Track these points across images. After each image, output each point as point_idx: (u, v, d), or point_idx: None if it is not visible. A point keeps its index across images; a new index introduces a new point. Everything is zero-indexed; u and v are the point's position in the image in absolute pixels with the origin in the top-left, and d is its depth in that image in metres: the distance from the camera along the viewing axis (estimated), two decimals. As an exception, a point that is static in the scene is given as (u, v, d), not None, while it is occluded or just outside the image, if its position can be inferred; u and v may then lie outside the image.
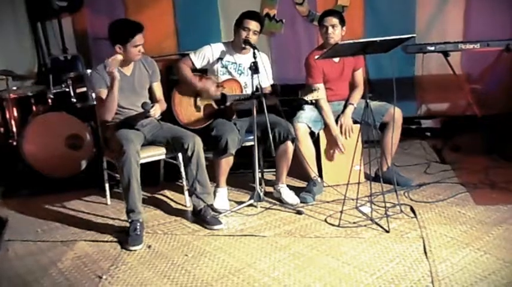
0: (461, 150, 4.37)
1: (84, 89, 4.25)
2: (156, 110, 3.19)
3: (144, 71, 3.33)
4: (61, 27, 5.01)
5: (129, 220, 3.02)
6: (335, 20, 3.53)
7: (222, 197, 3.44)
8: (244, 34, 3.43)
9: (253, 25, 3.43)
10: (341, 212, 3.13)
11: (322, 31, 3.57)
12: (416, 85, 4.91)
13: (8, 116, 4.15)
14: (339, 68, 3.66)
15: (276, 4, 4.85)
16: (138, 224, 3.00)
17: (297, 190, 3.55)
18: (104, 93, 3.16)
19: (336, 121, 3.66)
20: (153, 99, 3.38)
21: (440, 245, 2.72)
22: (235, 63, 3.57)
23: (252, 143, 3.34)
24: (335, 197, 3.46)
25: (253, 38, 3.43)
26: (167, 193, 3.79)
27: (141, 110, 3.16)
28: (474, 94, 4.34)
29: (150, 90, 3.40)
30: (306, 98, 3.31)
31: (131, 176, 2.95)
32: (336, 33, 3.53)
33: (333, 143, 3.66)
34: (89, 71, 4.27)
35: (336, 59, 3.63)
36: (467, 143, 4.41)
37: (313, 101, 3.41)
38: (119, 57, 3.08)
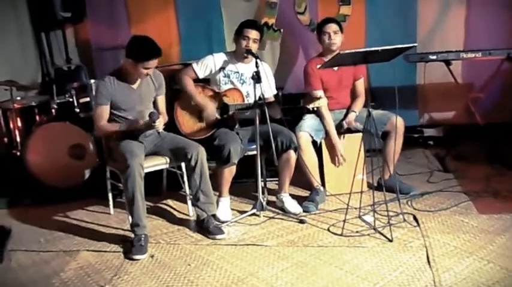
0: (464, 159, 4.36)
1: (88, 99, 4.26)
2: (161, 123, 3.19)
3: (151, 84, 3.34)
4: (65, 37, 5.03)
5: (134, 233, 3.03)
6: (336, 27, 3.61)
7: (224, 207, 3.44)
8: (244, 43, 3.48)
9: (253, 34, 3.47)
10: (344, 221, 3.12)
11: (324, 38, 3.62)
12: (418, 94, 4.91)
13: (11, 126, 4.16)
14: (337, 76, 3.68)
15: (275, 13, 4.88)
16: (143, 236, 3.00)
17: (299, 199, 3.55)
18: (101, 110, 3.18)
19: (337, 128, 3.67)
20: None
21: (443, 254, 2.72)
22: (238, 72, 3.59)
23: (254, 152, 3.35)
24: (338, 206, 3.46)
25: (253, 47, 3.47)
26: (170, 202, 3.79)
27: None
28: (476, 103, 4.35)
29: (154, 103, 3.40)
30: (308, 106, 3.33)
31: (135, 190, 2.96)
32: (338, 40, 3.60)
33: (333, 153, 3.67)
34: (92, 81, 4.29)
35: (335, 67, 3.65)
36: (470, 152, 4.41)
37: (315, 109, 3.42)
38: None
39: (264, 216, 3.37)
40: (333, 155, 3.68)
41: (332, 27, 3.60)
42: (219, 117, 3.52)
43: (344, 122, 3.68)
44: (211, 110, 3.49)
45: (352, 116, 3.68)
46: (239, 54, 3.56)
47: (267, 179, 3.82)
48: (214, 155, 3.35)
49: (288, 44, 4.95)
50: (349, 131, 3.68)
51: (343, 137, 3.68)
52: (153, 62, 3.12)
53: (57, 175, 3.94)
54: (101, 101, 3.19)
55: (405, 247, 2.84)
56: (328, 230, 3.14)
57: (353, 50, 2.96)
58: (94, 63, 5.10)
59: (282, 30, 4.89)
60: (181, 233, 3.23)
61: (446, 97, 4.72)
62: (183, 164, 3.35)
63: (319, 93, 3.54)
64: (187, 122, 3.56)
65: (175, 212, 3.62)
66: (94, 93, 3.59)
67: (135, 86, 3.27)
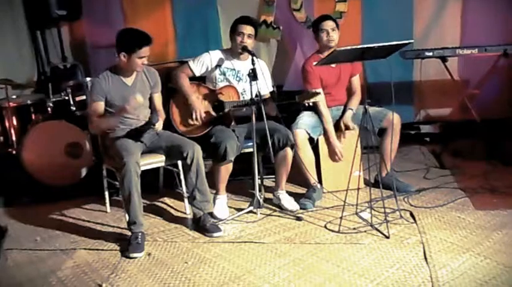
0: (461, 155, 4.37)
1: (84, 97, 4.26)
2: (160, 125, 3.18)
3: (146, 82, 3.33)
4: (60, 36, 5.02)
5: (131, 231, 3.02)
6: (333, 24, 3.61)
7: (221, 204, 3.44)
8: (239, 39, 3.47)
9: (248, 29, 3.46)
10: (341, 218, 3.13)
11: (322, 35, 3.61)
12: (414, 91, 4.92)
13: (7, 124, 4.16)
14: (335, 73, 3.68)
15: (273, 11, 4.88)
16: (140, 234, 3.00)
17: (296, 196, 3.55)
18: (96, 106, 3.17)
19: (335, 126, 3.67)
20: (152, 109, 3.39)
21: (440, 250, 2.72)
22: (234, 69, 3.58)
23: (251, 149, 3.34)
24: (335, 203, 3.46)
25: (248, 42, 3.47)
26: (167, 200, 3.79)
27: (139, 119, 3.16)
28: (472, 99, 4.35)
29: (150, 101, 3.39)
30: (303, 102, 3.33)
31: (132, 188, 2.95)
32: (336, 36, 3.60)
33: (331, 149, 3.67)
34: (88, 79, 4.28)
35: (333, 64, 3.65)
36: (467, 148, 4.41)
37: (311, 105, 3.42)
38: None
39: (261, 213, 3.37)
40: (332, 151, 3.67)
41: (329, 24, 3.60)
42: (214, 114, 3.51)
43: (341, 122, 3.67)
44: (198, 112, 3.45)
45: (349, 114, 3.68)
46: (235, 51, 3.56)
47: (264, 177, 3.82)
48: (211, 152, 3.34)
49: (284, 42, 4.95)
50: (346, 127, 3.68)
51: (344, 136, 3.68)
52: (146, 50, 3.11)
53: (54, 173, 3.93)
54: (95, 98, 3.18)
55: (402, 243, 2.85)
56: (325, 227, 3.14)
57: (349, 47, 2.95)
58: (89, 61, 5.09)
59: (281, 27, 4.89)
60: (178, 231, 3.23)
61: (443, 94, 4.74)
62: (179, 162, 3.34)
63: (318, 91, 3.53)
64: (183, 120, 3.55)
65: (172, 210, 3.61)
66: (90, 90, 3.59)
67: (129, 83, 3.26)
